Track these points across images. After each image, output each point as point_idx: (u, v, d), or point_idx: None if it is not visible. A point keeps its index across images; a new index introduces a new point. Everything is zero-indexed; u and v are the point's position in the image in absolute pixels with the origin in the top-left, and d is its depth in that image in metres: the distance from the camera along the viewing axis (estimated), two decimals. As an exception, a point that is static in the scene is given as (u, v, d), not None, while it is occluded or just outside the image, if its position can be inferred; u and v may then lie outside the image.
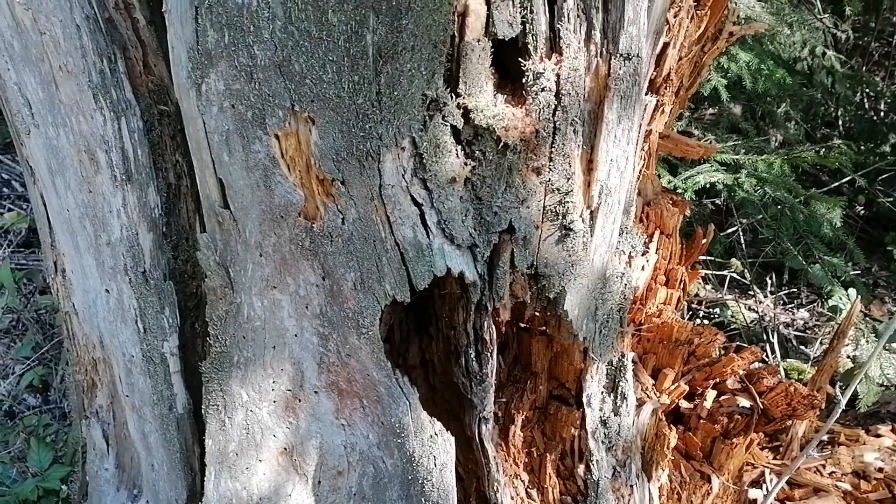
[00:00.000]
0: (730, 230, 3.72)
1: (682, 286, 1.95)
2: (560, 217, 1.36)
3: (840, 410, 1.37)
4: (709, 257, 3.56)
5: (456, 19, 1.24)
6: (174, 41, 1.16)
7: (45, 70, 1.32)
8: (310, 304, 1.38)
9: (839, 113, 4.64)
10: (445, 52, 1.24)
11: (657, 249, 1.92)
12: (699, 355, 1.93)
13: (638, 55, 1.29)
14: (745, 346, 1.99)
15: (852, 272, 3.22)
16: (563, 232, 1.38)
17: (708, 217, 3.97)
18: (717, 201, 3.95)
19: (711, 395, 1.90)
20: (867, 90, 4.45)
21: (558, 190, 1.35)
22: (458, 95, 1.28)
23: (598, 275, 1.46)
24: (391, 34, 1.15)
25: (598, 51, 1.28)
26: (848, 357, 3.09)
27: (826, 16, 4.24)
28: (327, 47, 1.12)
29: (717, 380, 1.92)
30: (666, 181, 2.69)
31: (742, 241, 3.60)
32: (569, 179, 1.34)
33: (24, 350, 3.25)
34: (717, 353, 2.00)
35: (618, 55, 1.28)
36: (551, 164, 1.33)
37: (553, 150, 1.32)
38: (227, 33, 1.11)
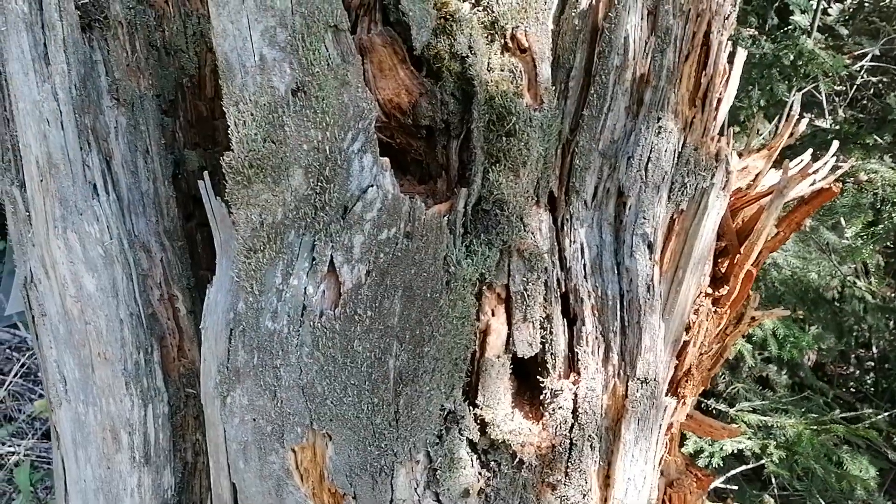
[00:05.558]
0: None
1: (707, 580, 1.84)
2: (575, 535, 1.32)
3: None
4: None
5: (477, 337, 1.29)
6: (207, 354, 1.21)
7: (84, 354, 1.38)
8: None
9: (872, 340, 4.59)
10: (465, 369, 1.28)
11: (681, 538, 1.83)
12: None
13: (655, 379, 1.31)
14: None
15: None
16: (578, 551, 1.33)
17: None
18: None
19: None
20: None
21: (574, 506, 1.32)
22: (475, 406, 1.30)
23: None
24: (413, 360, 1.20)
25: (616, 372, 1.31)
26: None
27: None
28: (350, 372, 1.17)
29: None
30: (692, 443, 2.63)
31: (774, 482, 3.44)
32: (584, 496, 1.32)
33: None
34: None
35: (635, 378, 1.30)
36: (567, 479, 1.31)
37: (569, 465, 1.31)
38: (257, 355, 1.16)
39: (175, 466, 1.45)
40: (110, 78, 1.30)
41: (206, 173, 1.20)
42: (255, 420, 1.19)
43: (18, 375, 4.36)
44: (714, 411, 2.89)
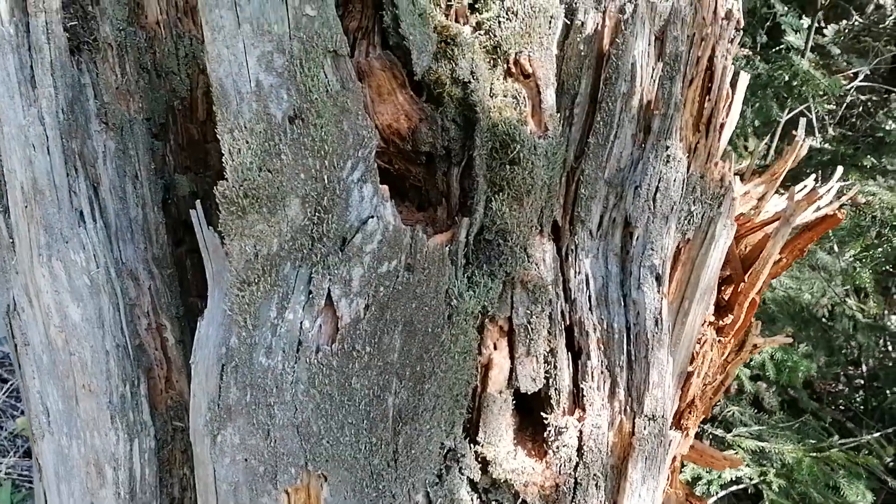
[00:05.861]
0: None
1: None
2: (579, 577, 1.28)
3: None
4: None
5: (479, 371, 1.24)
6: (197, 390, 1.16)
7: (68, 385, 1.33)
8: None
9: (862, 358, 4.57)
10: (467, 405, 1.23)
11: (682, 573, 1.78)
12: None
13: (663, 416, 1.27)
14: None
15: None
16: None
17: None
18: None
19: None
20: (889, 338, 4.40)
21: (578, 548, 1.27)
22: (476, 443, 1.26)
23: None
24: (413, 397, 1.15)
25: (623, 408, 1.27)
26: None
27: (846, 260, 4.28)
28: (347, 410, 1.12)
29: None
30: (690, 469, 2.59)
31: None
32: (589, 537, 1.28)
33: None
34: None
35: (642, 415, 1.26)
36: (571, 519, 1.27)
37: (573, 505, 1.26)
38: (250, 392, 1.11)
39: (161, 502, 1.39)
40: (99, 101, 1.25)
41: (198, 202, 1.15)
42: (246, 460, 1.14)
43: (2, 392, 4.27)
44: (710, 436, 2.85)
